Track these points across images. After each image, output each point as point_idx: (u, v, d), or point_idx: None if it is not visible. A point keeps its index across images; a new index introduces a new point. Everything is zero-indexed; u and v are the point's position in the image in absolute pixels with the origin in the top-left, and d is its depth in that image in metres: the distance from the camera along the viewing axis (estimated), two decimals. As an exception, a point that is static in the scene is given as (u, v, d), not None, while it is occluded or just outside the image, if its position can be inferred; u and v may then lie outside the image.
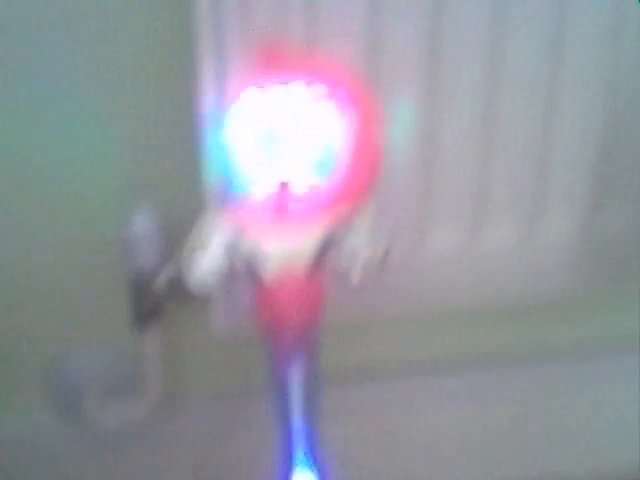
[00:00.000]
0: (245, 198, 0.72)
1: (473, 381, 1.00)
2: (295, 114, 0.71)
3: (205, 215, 0.73)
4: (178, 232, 0.82)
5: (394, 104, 0.81)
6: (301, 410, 0.69)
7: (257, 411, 0.90)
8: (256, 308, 0.72)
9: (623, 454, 1.00)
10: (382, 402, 0.98)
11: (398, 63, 0.79)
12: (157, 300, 0.88)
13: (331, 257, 0.72)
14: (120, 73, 0.81)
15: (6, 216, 0.86)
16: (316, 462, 0.69)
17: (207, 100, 0.77)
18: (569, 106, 0.83)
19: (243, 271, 0.72)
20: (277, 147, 0.71)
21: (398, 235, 0.84)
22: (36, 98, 0.81)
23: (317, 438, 0.69)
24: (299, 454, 0.69)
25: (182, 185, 0.85)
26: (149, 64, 0.80)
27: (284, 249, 0.71)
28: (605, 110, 0.83)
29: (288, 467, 0.69)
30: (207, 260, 0.72)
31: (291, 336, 0.70)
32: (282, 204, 0.71)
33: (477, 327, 0.98)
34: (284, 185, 0.71)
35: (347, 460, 0.91)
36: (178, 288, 0.81)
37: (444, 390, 0.99)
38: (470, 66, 0.81)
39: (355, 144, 0.72)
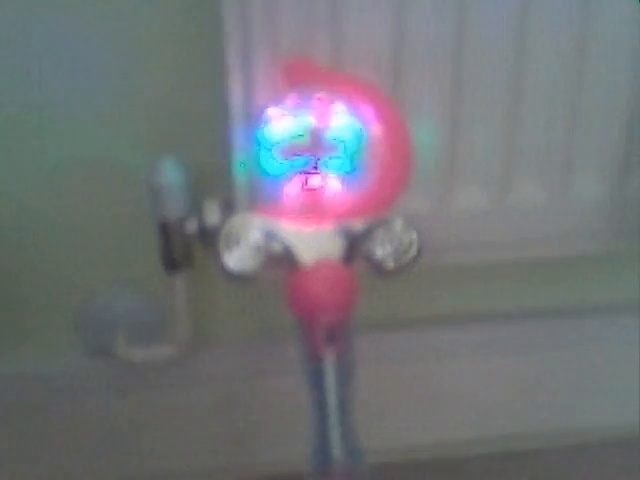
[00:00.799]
0: (277, 194, 0.73)
1: (492, 334, 1.02)
2: (323, 120, 0.72)
3: (237, 206, 0.73)
4: (205, 183, 0.85)
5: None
6: (335, 398, 0.70)
7: (283, 354, 0.92)
8: (290, 295, 0.72)
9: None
10: (410, 351, 1.00)
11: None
12: (185, 247, 0.88)
13: (363, 249, 0.72)
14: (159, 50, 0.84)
15: (40, 163, 0.87)
16: (350, 443, 0.70)
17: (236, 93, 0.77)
18: (600, 67, 0.81)
19: (277, 259, 0.72)
20: (306, 150, 0.72)
21: (427, 191, 0.84)
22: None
23: (353, 421, 0.71)
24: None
25: (209, 138, 0.85)
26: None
27: (315, 245, 0.72)
28: (636, 74, 0.82)
29: (323, 452, 0.70)
30: (239, 256, 0.72)
31: (325, 323, 0.70)
32: (313, 204, 0.72)
33: (501, 282, 0.99)
34: (314, 188, 0.72)
35: (374, 406, 0.94)
36: (206, 238, 0.82)
37: (467, 341, 1.01)
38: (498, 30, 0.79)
39: (384, 147, 0.72)
